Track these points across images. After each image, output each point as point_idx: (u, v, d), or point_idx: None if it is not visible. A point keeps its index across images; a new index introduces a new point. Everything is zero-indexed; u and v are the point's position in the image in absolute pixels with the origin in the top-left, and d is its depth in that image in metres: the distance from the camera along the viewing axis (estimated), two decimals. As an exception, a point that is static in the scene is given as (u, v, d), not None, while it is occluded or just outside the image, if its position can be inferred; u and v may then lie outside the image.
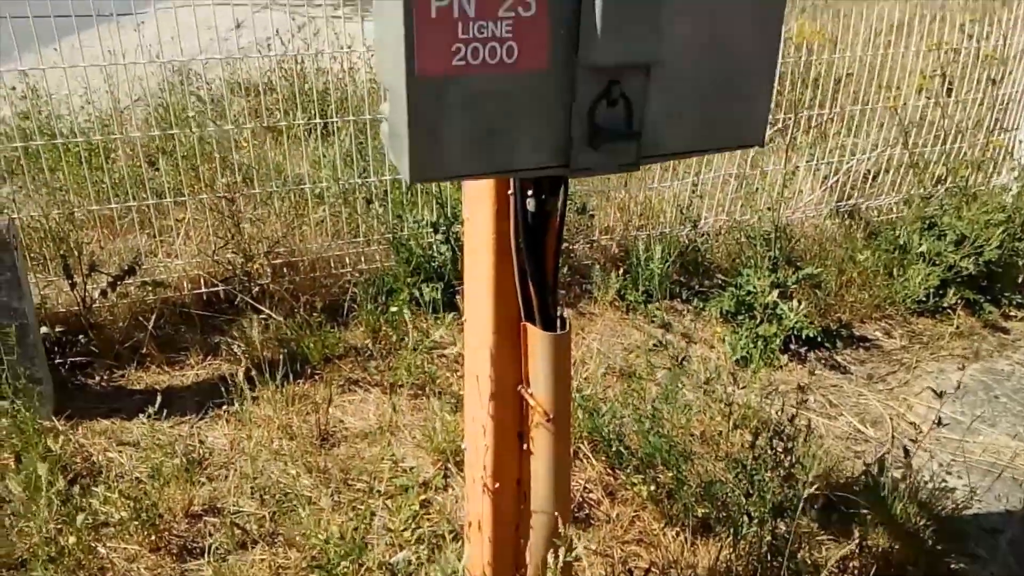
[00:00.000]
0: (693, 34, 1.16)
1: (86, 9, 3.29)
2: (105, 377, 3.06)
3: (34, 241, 3.34)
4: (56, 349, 3.02)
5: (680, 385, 2.70)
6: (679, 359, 3.06)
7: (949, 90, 4.26)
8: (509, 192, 1.41)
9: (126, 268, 3.05)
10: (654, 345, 3.38)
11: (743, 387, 2.88)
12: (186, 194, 3.46)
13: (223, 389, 2.91)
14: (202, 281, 3.37)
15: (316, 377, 3.07)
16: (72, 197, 3.56)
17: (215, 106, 4.82)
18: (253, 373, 2.83)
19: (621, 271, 3.69)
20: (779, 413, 2.59)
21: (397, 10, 1.03)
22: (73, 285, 3.04)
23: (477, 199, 1.50)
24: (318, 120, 3.62)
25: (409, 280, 3.37)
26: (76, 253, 3.09)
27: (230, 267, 3.30)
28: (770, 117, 3.84)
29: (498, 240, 1.50)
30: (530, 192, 1.38)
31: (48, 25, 3.19)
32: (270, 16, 4.44)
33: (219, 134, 3.59)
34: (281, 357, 3.01)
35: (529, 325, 1.50)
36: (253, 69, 5.38)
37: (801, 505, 1.99)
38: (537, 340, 1.50)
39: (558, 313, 1.52)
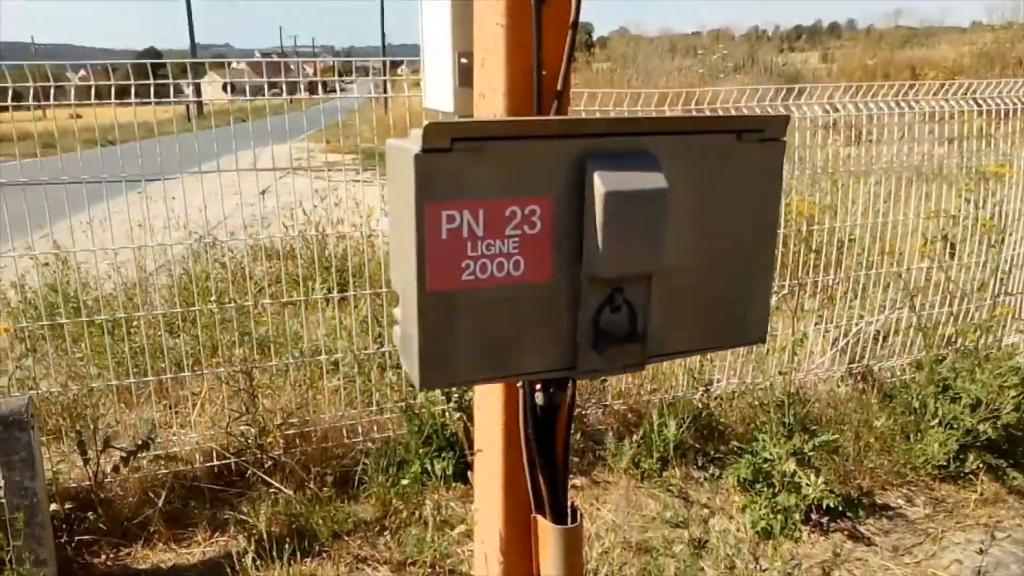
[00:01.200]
0: (692, 244, 1.23)
1: (117, 173, 3.48)
2: (111, 556, 3.00)
3: (50, 414, 3.38)
4: (64, 527, 2.98)
5: (700, 570, 2.62)
6: (699, 541, 2.98)
7: (952, 253, 4.36)
8: (518, 385, 1.44)
9: (140, 443, 3.07)
10: (671, 518, 3.29)
11: (764, 570, 2.78)
12: (203, 365, 3.51)
13: (229, 569, 2.84)
14: (214, 454, 3.36)
15: (324, 555, 2.99)
16: (92, 368, 3.62)
17: (237, 273, 4.99)
18: (260, 552, 2.77)
19: (635, 437, 3.66)
20: (804, 594, 2.49)
21: (410, 231, 1.10)
22: (87, 461, 3.04)
23: (486, 391, 1.53)
24: (336, 293, 3.72)
25: (421, 451, 3.35)
26: (91, 427, 3.11)
27: (243, 439, 3.30)
28: (775, 282, 3.92)
29: (507, 432, 1.51)
30: (538, 386, 1.41)
31: (79, 191, 3.37)
32: (293, 182, 4.67)
33: (239, 309, 3.69)
34: (290, 533, 2.95)
35: (539, 518, 1.49)
36: (276, 236, 5.60)
37: None
38: (548, 534, 1.48)
39: (569, 504, 1.51)
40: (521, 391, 1.45)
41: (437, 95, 1.62)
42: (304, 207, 5.28)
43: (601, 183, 1.12)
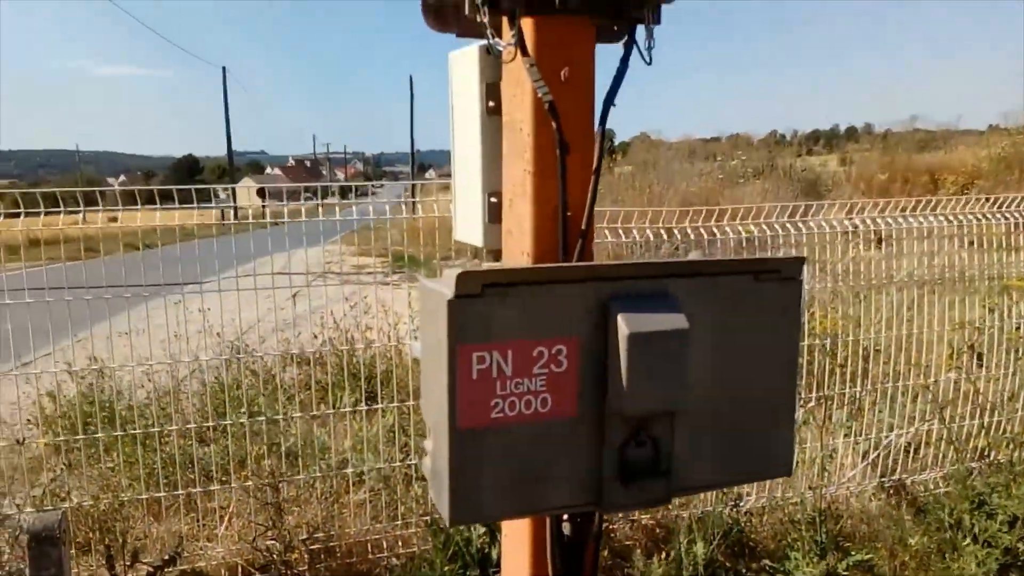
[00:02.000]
0: (715, 381, 1.27)
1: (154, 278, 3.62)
2: (131, 673, 2.96)
3: (80, 527, 3.40)
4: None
5: None
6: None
7: (979, 363, 4.33)
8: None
9: (167, 558, 3.07)
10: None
11: None
12: (232, 477, 3.54)
13: None
14: (240, 569, 3.35)
15: (347, 676, 2.93)
16: (123, 479, 3.66)
17: (267, 381, 5.06)
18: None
19: (664, 555, 3.59)
20: None
21: (442, 370, 1.15)
22: None
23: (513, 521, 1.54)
24: (364, 406, 3.77)
25: (446, 568, 3.31)
26: (120, 541, 3.13)
27: (269, 554, 3.29)
28: (800, 396, 3.91)
29: (534, 560, 1.52)
30: (565, 516, 1.43)
31: (117, 295, 3.50)
32: (325, 287, 4.79)
33: (269, 422, 3.75)
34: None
35: (567, 650, 1.48)
36: (305, 341, 5.70)
37: None
38: (576, 667, 1.47)
39: (597, 637, 1.50)
40: (548, 521, 1.46)
41: (467, 229, 1.70)
42: (333, 314, 5.40)
43: (624, 325, 1.17)
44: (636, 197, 14.97)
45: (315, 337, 5.06)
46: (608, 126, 1.49)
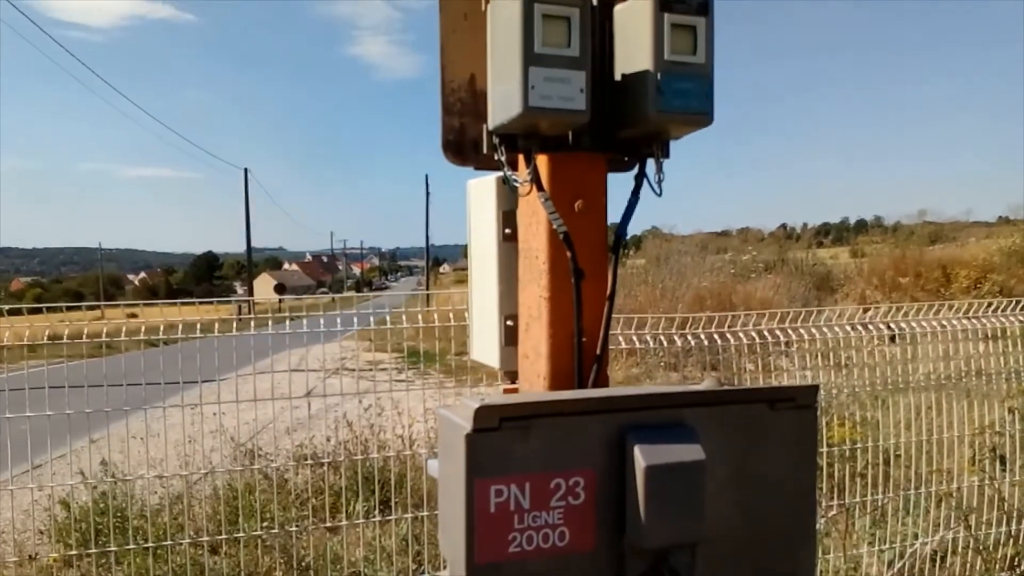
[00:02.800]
0: (733, 511, 1.27)
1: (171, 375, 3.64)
2: None
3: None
4: None
5: None
6: None
7: (1003, 467, 4.25)
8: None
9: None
10: None
11: None
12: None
13: None
14: None
15: None
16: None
17: (280, 485, 5.01)
18: None
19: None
20: None
21: (460, 503, 1.16)
22: None
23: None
24: (377, 516, 3.73)
25: None
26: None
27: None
28: (821, 504, 3.83)
29: None
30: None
31: (136, 392, 3.52)
32: (340, 382, 4.79)
33: (282, 532, 3.70)
34: None
35: None
36: (318, 444, 5.67)
37: None
38: None
39: None
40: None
41: (484, 350, 1.73)
42: (347, 416, 5.39)
43: (642, 457, 1.18)
44: (649, 292, 15.05)
45: (328, 440, 5.04)
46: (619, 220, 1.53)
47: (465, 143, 1.58)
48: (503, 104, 1.33)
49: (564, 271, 1.47)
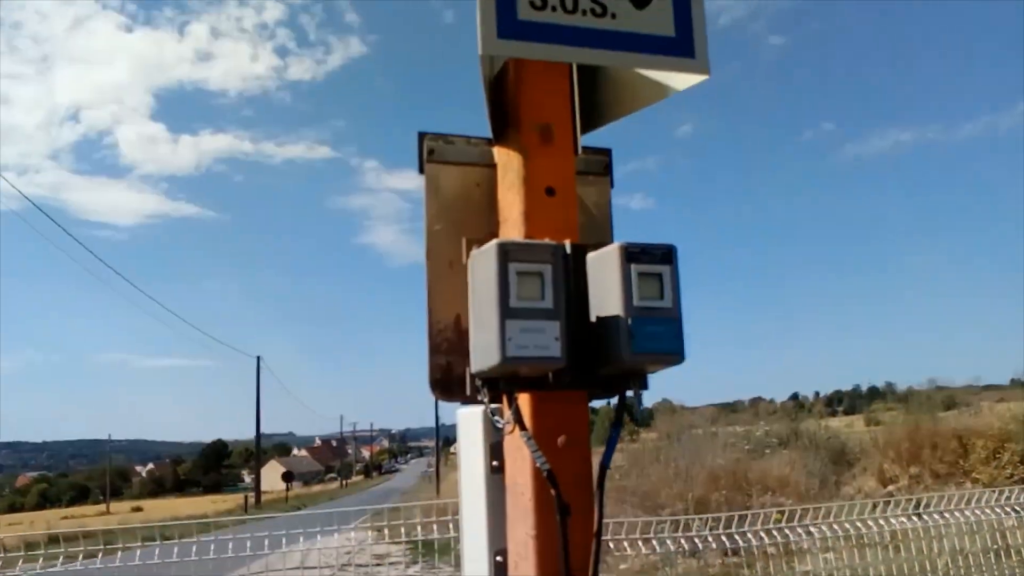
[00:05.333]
0: None
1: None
2: None
3: None
4: None
5: None
6: None
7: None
8: None
9: None
10: None
11: None
12: None
13: None
14: None
15: None
16: None
17: None
18: None
19: None
20: None
21: None
22: None
23: None
24: None
25: None
26: None
27: None
28: None
29: None
30: None
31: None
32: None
33: None
34: None
35: None
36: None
37: None
38: None
39: None
40: None
41: (476, 585, 1.71)
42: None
43: None
44: (662, 470, 14.69)
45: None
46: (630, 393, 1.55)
47: (452, 381, 1.65)
48: (483, 353, 1.41)
49: (551, 507, 1.48)
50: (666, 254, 1.47)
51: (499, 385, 1.47)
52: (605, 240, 1.75)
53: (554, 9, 1.45)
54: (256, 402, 42.70)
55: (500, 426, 1.50)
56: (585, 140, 1.78)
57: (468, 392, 1.56)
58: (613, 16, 1.49)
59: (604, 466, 1.55)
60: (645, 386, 1.55)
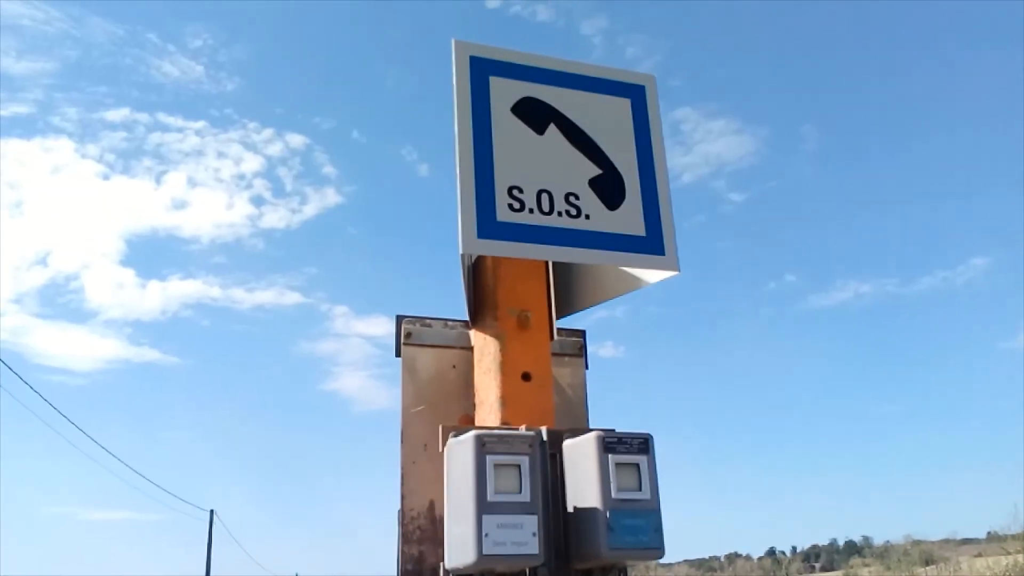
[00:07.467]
0: None
1: None
2: None
3: None
4: None
5: None
6: None
7: None
8: None
9: None
10: None
11: None
12: None
13: None
14: None
15: None
16: None
17: None
18: None
19: None
20: None
21: None
22: None
23: None
24: None
25: None
26: None
27: None
28: None
29: None
30: None
31: None
32: None
33: None
34: None
35: None
36: None
37: None
38: None
39: None
40: None
41: None
42: None
43: None
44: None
45: None
46: None
47: (424, 572, 1.59)
48: (459, 548, 1.38)
49: None
50: (643, 444, 1.47)
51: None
52: (581, 422, 1.76)
53: (531, 211, 1.52)
54: (207, 559, 40.44)
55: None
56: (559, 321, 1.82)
57: (441, 587, 1.51)
58: (587, 217, 1.56)
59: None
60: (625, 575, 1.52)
